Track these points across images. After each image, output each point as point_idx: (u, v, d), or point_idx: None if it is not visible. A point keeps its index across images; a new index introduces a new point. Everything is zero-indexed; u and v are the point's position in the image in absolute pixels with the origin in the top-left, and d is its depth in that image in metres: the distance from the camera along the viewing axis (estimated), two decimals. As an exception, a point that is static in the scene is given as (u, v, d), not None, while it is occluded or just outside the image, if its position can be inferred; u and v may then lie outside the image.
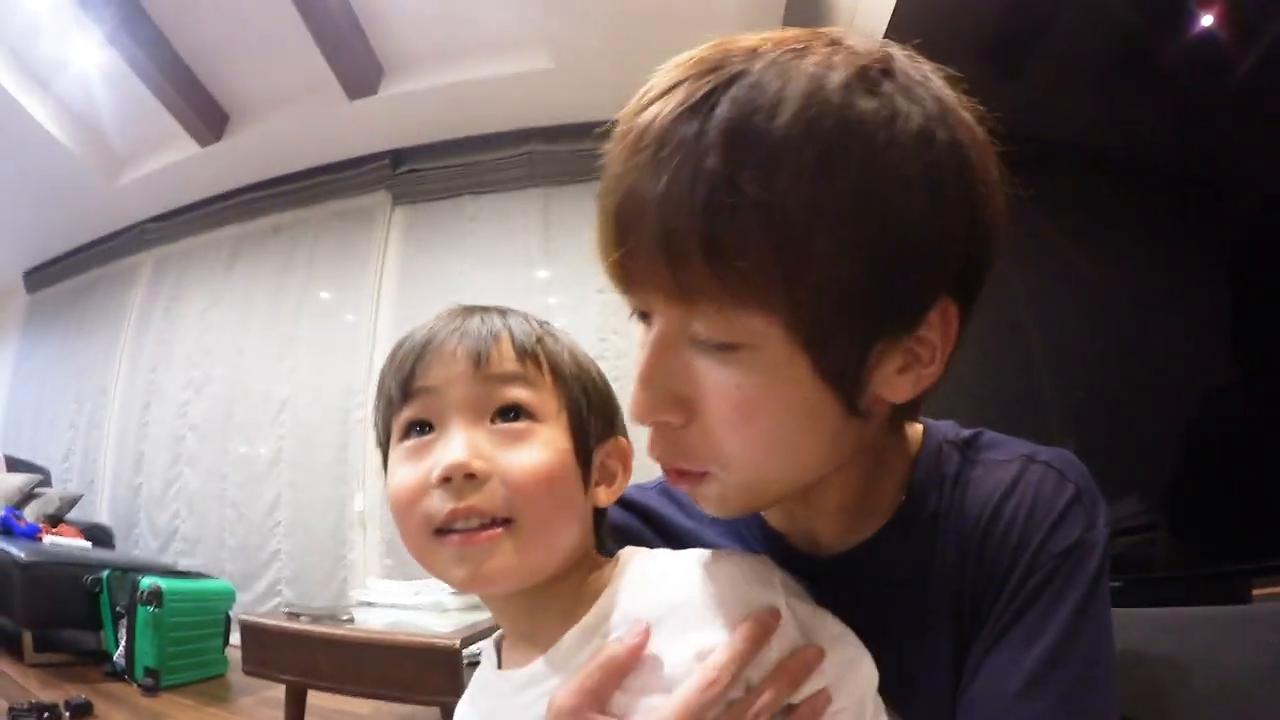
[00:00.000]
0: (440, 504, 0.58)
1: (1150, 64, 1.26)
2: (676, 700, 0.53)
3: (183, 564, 4.66)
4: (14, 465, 5.09)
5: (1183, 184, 1.26)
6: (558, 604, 0.62)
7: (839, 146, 0.48)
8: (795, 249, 0.48)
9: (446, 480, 0.58)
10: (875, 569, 0.68)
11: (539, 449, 0.60)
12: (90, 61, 4.38)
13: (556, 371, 0.65)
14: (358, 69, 4.32)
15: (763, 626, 0.55)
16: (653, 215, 0.50)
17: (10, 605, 3.57)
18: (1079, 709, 0.58)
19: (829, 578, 0.64)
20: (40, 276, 6.72)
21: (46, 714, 2.72)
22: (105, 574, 3.73)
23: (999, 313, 1.56)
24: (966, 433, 0.72)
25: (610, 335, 3.94)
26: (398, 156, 5.01)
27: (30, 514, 4.38)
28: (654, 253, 0.50)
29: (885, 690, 0.62)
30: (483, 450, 0.59)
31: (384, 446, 0.66)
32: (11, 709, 2.70)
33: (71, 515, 4.74)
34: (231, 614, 3.97)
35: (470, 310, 0.67)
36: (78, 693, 2.99)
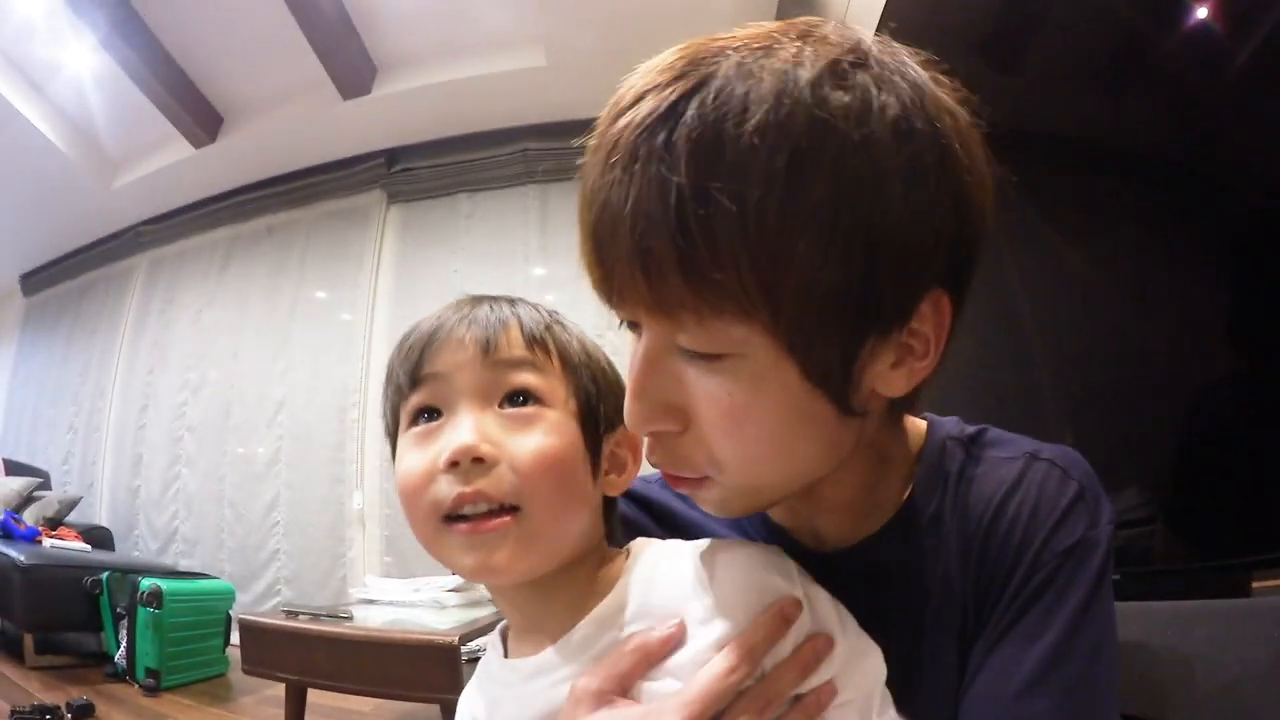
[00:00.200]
0: (448, 489, 0.58)
1: (1144, 57, 1.26)
2: (696, 685, 0.53)
3: (182, 565, 4.67)
4: (13, 469, 5.09)
5: (1182, 178, 1.26)
6: (567, 594, 0.62)
7: (810, 149, 0.46)
8: (771, 257, 0.47)
9: (454, 465, 0.58)
10: (878, 566, 0.67)
11: (547, 434, 0.60)
12: (84, 65, 4.38)
13: (565, 359, 0.65)
14: (351, 69, 4.32)
15: (784, 617, 0.55)
16: (626, 233, 0.49)
17: (11, 608, 3.57)
18: (1081, 708, 0.58)
19: (831, 574, 0.64)
20: (37, 280, 6.71)
21: (48, 716, 2.72)
22: (105, 576, 3.73)
23: (998, 307, 1.56)
24: (971, 429, 0.72)
25: (607, 331, 3.86)
26: (392, 155, 5.01)
27: (30, 517, 4.38)
28: (631, 270, 0.50)
29: (888, 686, 0.61)
30: (491, 435, 0.59)
31: (393, 436, 0.66)
32: (14, 711, 2.70)
33: (71, 518, 4.74)
34: (232, 614, 3.97)
35: (479, 299, 0.66)
36: (79, 694, 2.99)
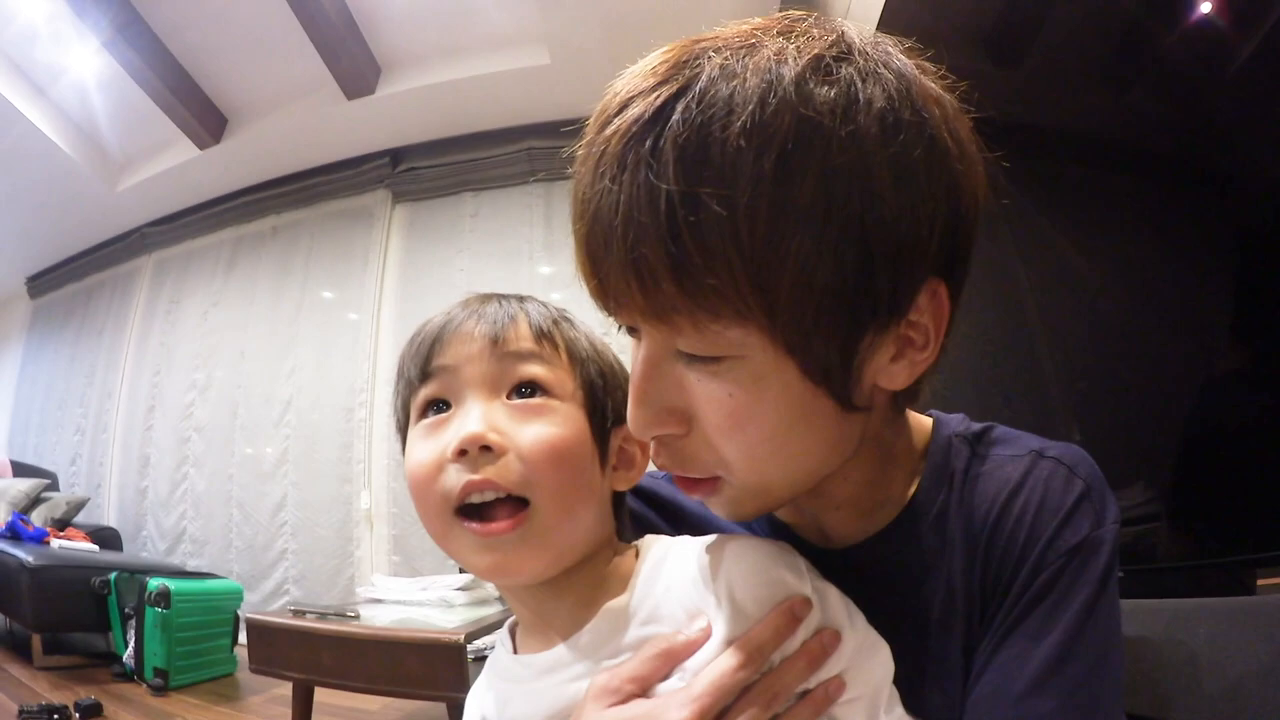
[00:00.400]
0: (456, 478, 0.58)
1: (1146, 52, 1.26)
2: (704, 681, 0.53)
3: (190, 565, 4.68)
4: (21, 470, 5.11)
5: (1190, 173, 1.26)
6: (578, 590, 0.63)
7: (797, 148, 0.46)
8: (764, 259, 0.47)
9: (462, 453, 0.58)
10: (883, 563, 0.68)
11: (555, 424, 0.61)
12: (88, 68, 4.38)
13: (572, 352, 0.66)
14: (355, 69, 4.32)
15: (793, 615, 0.55)
16: (618, 242, 0.49)
17: (19, 609, 3.59)
18: (1086, 707, 0.58)
19: (837, 571, 0.64)
20: (43, 282, 6.74)
21: (56, 715, 2.73)
22: (113, 576, 3.75)
23: (1004, 302, 1.56)
24: (977, 427, 0.72)
25: (613, 330, 3.94)
26: (397, 155, 5.00)
27: (38, 518, 4.40)
28: (625, 278, 0.50)
29: (896, 687, 0.61)
30: (499, 424, 0.59)
31: (403, 431, 0.67)
32: (22, 711, 2.71)
33: (79, 519, 4.76)
34: (240, 613, 3.98)
35: (488, 296, 0.67)
36: (87, 694, 3.00)
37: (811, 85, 0.48)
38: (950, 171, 0.52)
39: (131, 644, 3.57)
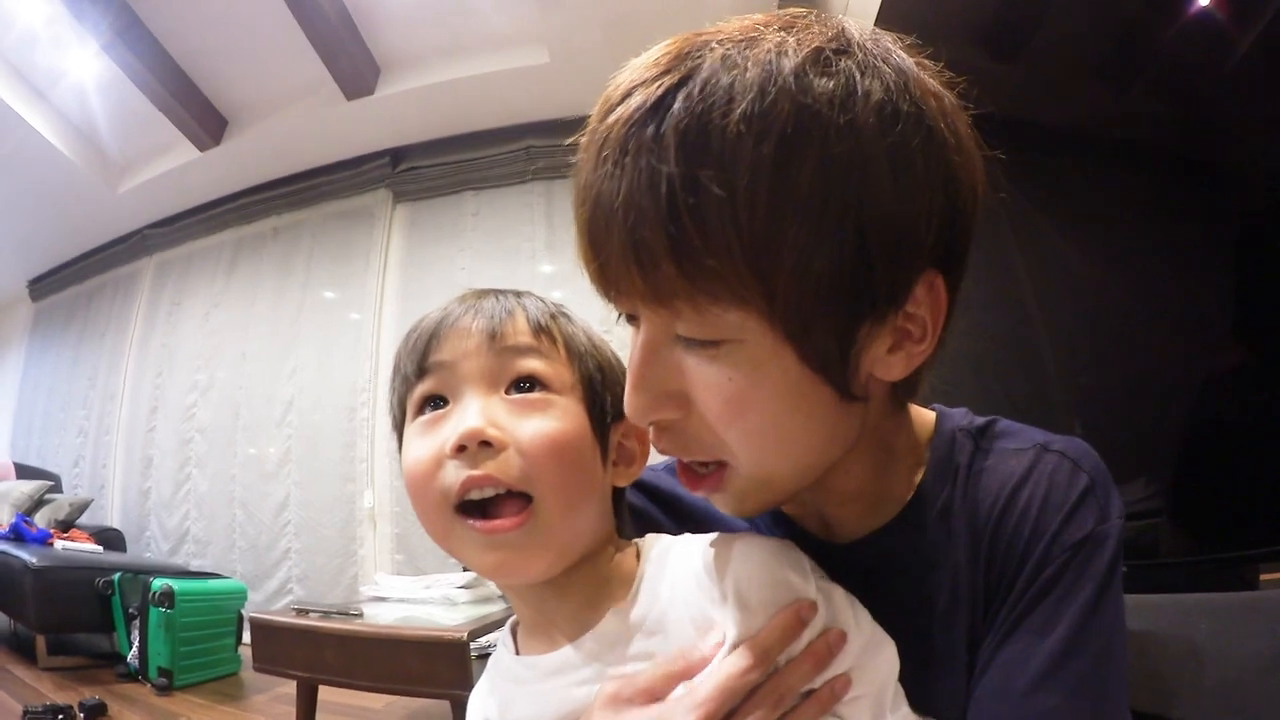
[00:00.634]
0: (455, 474, 0.58)
1: (1147, 47, 1.25)
2: (710, 685, 0.53)
3: (194, 565, 4.68)
4: (24, 472, 5.11)
5: (1192, 171, 1.26)
6: (581, 589, 0.62)
7: (796, 135, 0.47)
8: (763, 243, 0.48)
9: (461, 449, 0.58)
10: (887, 557, 0.68)
11: (555, 418, 0.60)
12: (87, 71, 4.38)
13: (570, 347, 0.65)
14: (354, 69, 4.32)
15: (798, 618, 0.55)
16: (619, 225, 0.50)
17: (23, 610, 3.59)
18: (1091, 703, 0.58)
19: (841, 565, 0.64)
20: (44, 285, 6.75)
21: (61, 715, 2.73)
22: (117, 577, 3.75)
23: (1005, 298, 1.56)
24: (980, 421, 0.72)
25: (615, 327, 3.93)
26: (397, 155, 5.00)
27: (41, 520, 4.40)
28: (625, 261, 0.51)
29: (900, 681, 0.62)
30: (498, 419, 0.59)
31: (400, 428, 0.66)
32: (26, 711, 2.71)
33: (82, 520, 4.76)
34: (244, 613, 3.99)
35: (485, 292, 0.67)
36: (91, 694, 3.00)
37: (811, 76, 0.49)
38: (947, 163, 0.53)
39: (136, 644, 3.57)
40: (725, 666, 0.53)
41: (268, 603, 4.59)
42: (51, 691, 3.15)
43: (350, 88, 4.42)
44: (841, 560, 0.66)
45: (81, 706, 2.85)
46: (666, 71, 0.50)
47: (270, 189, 5.34)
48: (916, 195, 0.51)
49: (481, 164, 4.78)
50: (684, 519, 0.78)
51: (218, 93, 4.76)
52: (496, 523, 0.57)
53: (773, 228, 0.48)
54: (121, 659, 3.65)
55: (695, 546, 0.62)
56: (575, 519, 0.60)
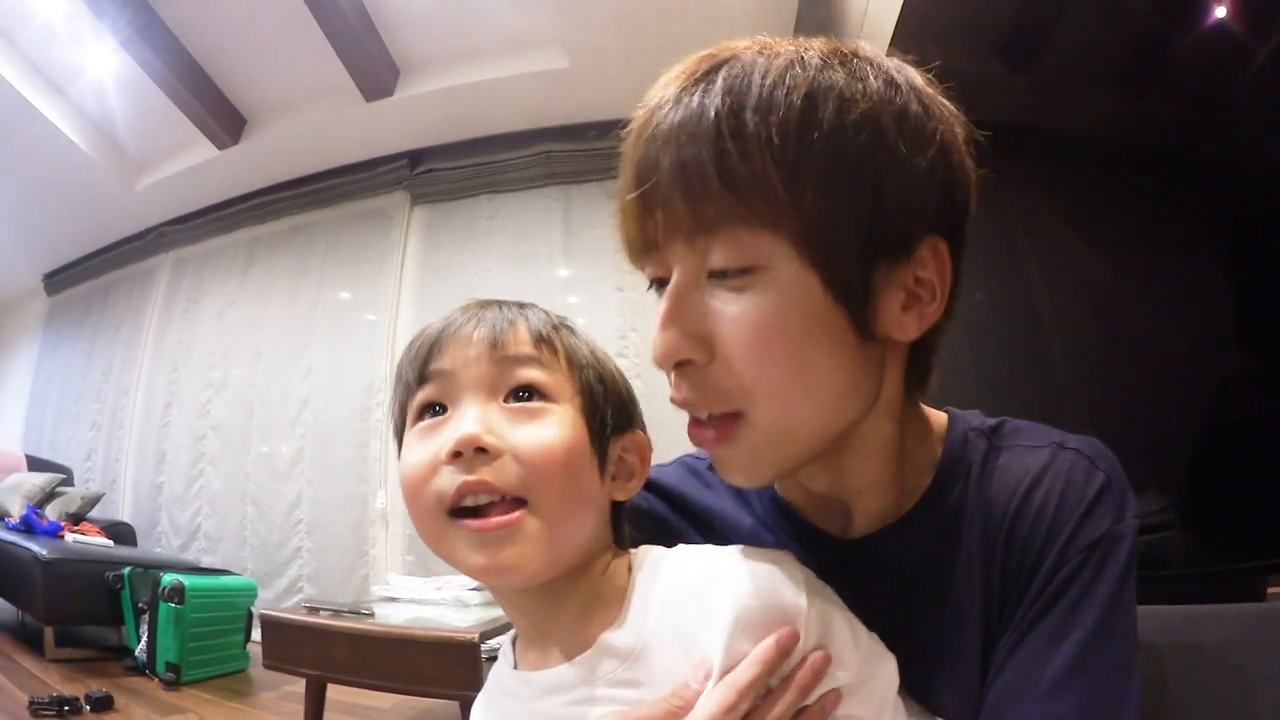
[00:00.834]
0: (450, 479, 0.58)
1: (1161, 55, 1.26)
2: (700, 718, 0.53)
3: (205, 562, 4.69)
4: (36, 465, 5.14)
5: (1205, 177, 1.26)
6: (574, 601, 0.62)
7: (819, 93, 0.56)
8: (792, 167, 0.54)
9: (457, 455, 0.58)
10: (899, 554, 0.68)
11: (552, 427, 0.60)
12: (106, 67, 4.40)
13: (571, 358, 0.65)
14: (374, 71, 4.33)
15: (780, 650, 0.54)
16: (671, 148, 0.57)
17: (32, 601, 3.62)
18: (1108, 705, 0.59)
19: (851, 560, 0.64)
20: (60, 279, 6.78)
21: (67, 707, 2.75)
22: (127, 571, 3.76)
23: (1019, 306, 1.56)
24: (992, 421, 0.73)
25: (630, 333, 3.96)
26: (415, 157, 5.01)
27: (52, 512, 4.43)
28: (673, 183, 0.57)
29: (907, 677, 0.62)
30: (495, 426, 0.59)
31: (400, 435, 0.66)
32: (33, 702, 2.73)
33: (93, 514, 4.78)
34: (253, 610, 4.00)
35: (488, 302, 0.67)
36: (98, 687, 3.01)
37: (829, 66, 0.57)
38: (944, 136, 0.60)
39: (144, 638, 3.58)
40: (712, 700, 0.53)
41: (278, 601, 4.60)
42: (58, 683, 3.16)
43: (369, 89, 4.44)
44: (852, 556, 0.67)
45: (88, 699, 2.86)
46: (704, 66, 0.59)
47: (288, 189, 5.36)
48: (918, 155, 0.57)
49: (499, 167, 4.79)
50: (696, 519, 0.78)
51: (236, 91, 4.78)
52: (487, 521, 0.58)
53: (801, 158, 0.54)
54: (129, 652, 3.66)
55: (687, 560, 0.62)
56: (568, 526, 0.60)
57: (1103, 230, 1.40)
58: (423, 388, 0.63)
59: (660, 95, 0.59)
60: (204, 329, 5.59)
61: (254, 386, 5.20)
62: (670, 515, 0.79)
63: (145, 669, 3.53)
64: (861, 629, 0.60)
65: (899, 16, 2.03)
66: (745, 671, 0.53)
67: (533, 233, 4.67)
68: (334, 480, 4.75)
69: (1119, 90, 1.34)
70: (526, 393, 0.62)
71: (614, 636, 0.59)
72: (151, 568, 3.81)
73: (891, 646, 0.62)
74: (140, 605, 3.67)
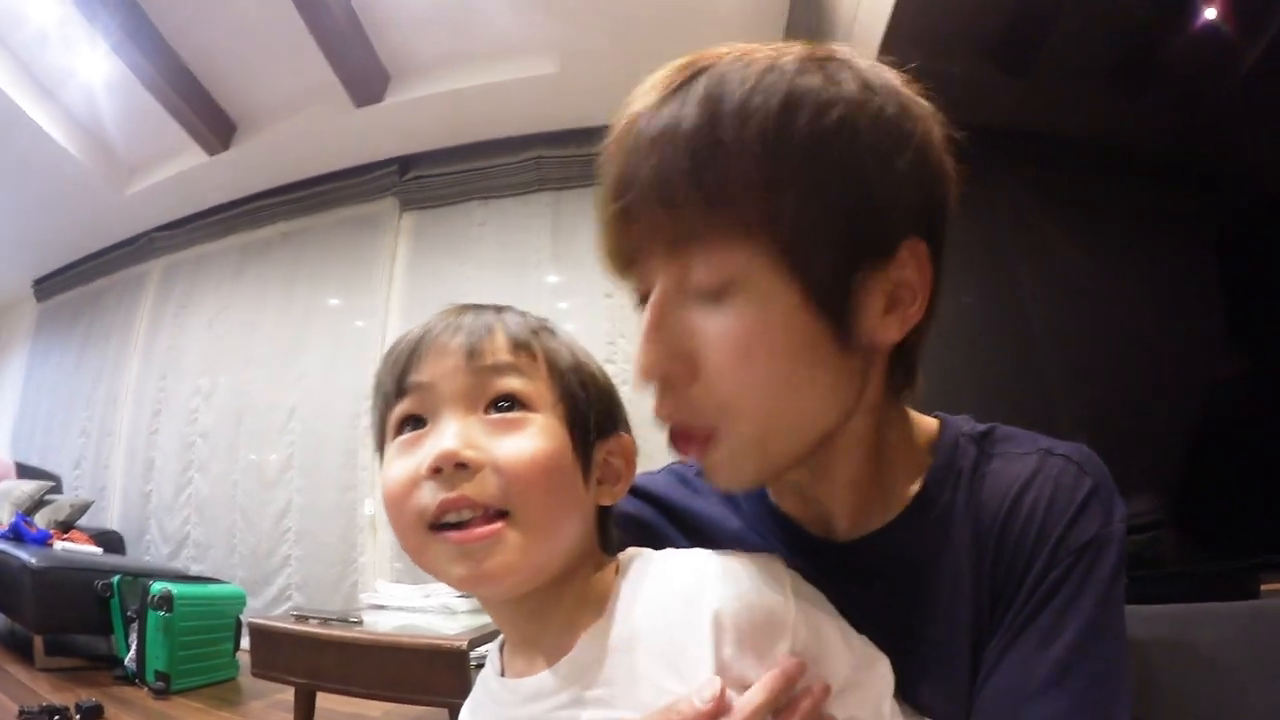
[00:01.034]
0: (431, 496, 0.57)
1: (1153, 58, 1.26)
2: None
3: (193, 570, 4.68)
4: (25, 472, 5.13)
5: (1194, 179, 1.27)
6: (560, 608, 0.62)
7: (794, 99, 0.56)
8: (770, 173, 0.55)
9: (437, 471, 0.57)
10: (889, 557, 0.68)
11: (532, 437, 0.59)
12: (97, 72, 4.39)
13: (552, 363, 0.64)
14: (364, 77, 4.34)
15: (787, 679, 0.54)
16: (648, 165, 0.57)
17: (21, 610, 3.60)
18: (1098, 706, 0.59)
19: (842, 564, 0.64)
20: (50, 285, 6.76)
21: (57, 716, 2.73)
22: (116, 579, 3.75)
23: (1010, 308, 1.57)
24: (982, 426, 0.73)
25: (619, 339, 3.96)
26: (405, 163, 5.02)
27: (41, 520, 4.41)
28: (651, 199, 0.57)
29: (897, 680, 0.62)
30: (475, 440, 0.58)
31: (381, 447, 0.66)
32: (22, 711, 2.71)
33: (82, 522, 4.77)
34: (242, 618, 3.98)
35: (466, 308, 0.66)
36: (88, 696, 3.00)
37: (805, 71, 0.57)
38: (920, 138, 0.60)
39: (133, 647, 3.57)
40: None
41: (267, 609, 4.58)
42: (48, 692, 3.15)
43: (359, 95, 4.44)
44: (842, 559, 0.67)
45: (78, 708, 2.84)
46: (681, 79, 0.58)
47: (278, 195, 5.35)
48: (896, 155, 0.58)
49: (489, 173, 4.80)
50: (685, 525, 0.78)
51: (227, 97, 4.78)
52: (469, 532, 0.57)
53: (779, 164, 0.55)
54: (119, 661, 3.65)
55: (672, 563, 0.61)
56: (551, 536, 0.60)
57: (1093, 232, 1.40)
58: (401, 400, 0.62)
59: (639, 104, 0.59)
60: (194, 336, 5.58)
61: (243, 394, 5.19)
62: (658, 520, 0.79)
63: (135, 678, 3.53)
64: (851, 631, 0.60)
65: (889, 20, 2.04)
66: (751, 701, 0.52)
67: (522, 239, 4.68)
68: (322, 488, 4.74)
69: (1110, 93, 1.35)
70: (507, 402, 0.61)
71: (595, 640, 0.59)
72: (140, 576, 3.81)
73: (881, 649, 0.62)
74: (129, 614, 3.66)
